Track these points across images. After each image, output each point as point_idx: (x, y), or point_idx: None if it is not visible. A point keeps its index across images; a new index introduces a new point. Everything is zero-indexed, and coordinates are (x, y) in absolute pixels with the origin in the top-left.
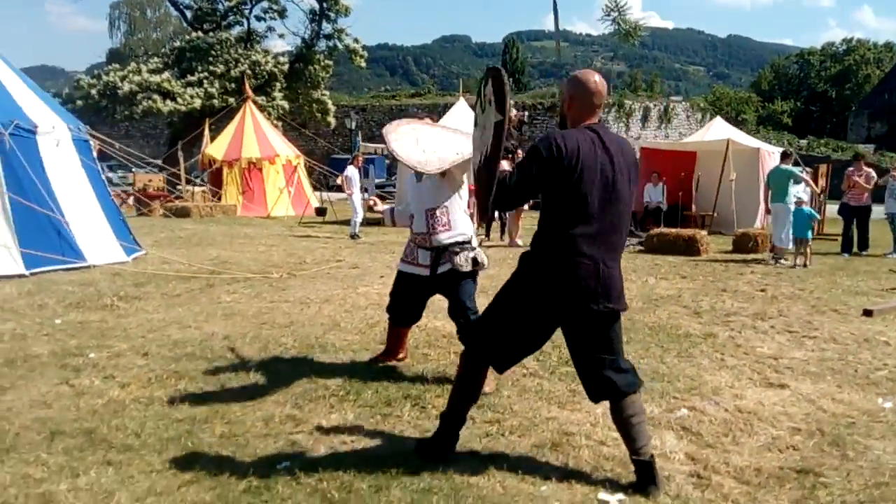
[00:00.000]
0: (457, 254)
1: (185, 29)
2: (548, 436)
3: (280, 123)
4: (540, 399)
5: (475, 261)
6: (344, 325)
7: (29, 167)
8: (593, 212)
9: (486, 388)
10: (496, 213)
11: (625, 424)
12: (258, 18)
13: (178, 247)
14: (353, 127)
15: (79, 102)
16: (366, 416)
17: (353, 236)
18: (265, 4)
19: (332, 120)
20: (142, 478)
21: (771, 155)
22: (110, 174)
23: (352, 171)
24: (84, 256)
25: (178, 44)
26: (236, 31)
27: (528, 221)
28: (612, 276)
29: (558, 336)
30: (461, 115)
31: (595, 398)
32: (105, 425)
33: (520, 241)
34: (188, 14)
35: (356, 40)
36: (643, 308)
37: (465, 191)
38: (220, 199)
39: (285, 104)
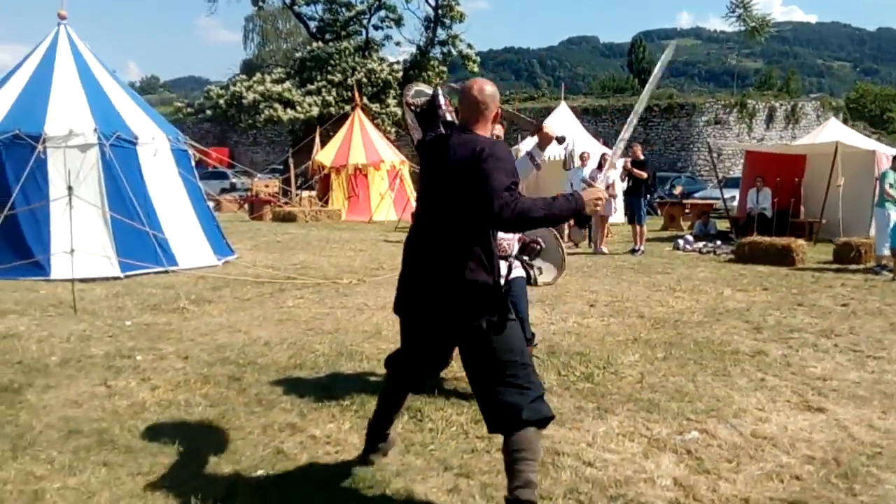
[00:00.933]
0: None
1: (310, 40)
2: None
3: (394, 130)
4: None
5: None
6: (385, 333)
7: (128, 176)
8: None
9: None
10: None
11: (508, 459)
12: (376, 27)
13: (271, 251)
14: None
15: (208, 112)
16: (362, 426)
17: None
18: (382, 14)
19: None
20: (128, 480)
21: (889, 158)
22: (234, 180)
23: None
24: (176, 260)
25: (299, 54)
26: (355, 40)
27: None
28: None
29: (586, 347)
30: (561, 118)
31: (489, 427)
32: (119, 426)
33: (605, 249)
34: (311, 25)
35: (469, 46)
36: (701, 322)
37: None
38: (326, 203)
39: (398, 111)
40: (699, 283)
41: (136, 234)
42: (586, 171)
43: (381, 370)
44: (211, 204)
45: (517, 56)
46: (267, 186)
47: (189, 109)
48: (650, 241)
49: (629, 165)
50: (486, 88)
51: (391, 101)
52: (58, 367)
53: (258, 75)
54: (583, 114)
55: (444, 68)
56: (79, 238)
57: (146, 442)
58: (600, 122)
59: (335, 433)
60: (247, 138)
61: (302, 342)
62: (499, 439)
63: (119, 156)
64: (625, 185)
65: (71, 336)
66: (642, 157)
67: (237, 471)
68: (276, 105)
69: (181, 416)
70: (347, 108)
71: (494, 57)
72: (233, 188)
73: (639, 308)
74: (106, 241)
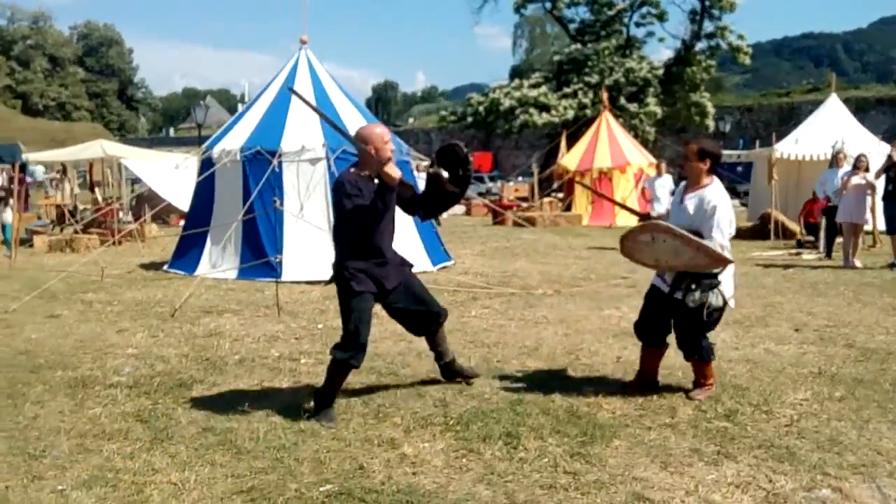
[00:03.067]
0: (693, 290)
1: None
2: (620, 498)
3: (654, 129)
4: (647, 455)
5: (707, 303)
6: (543, 350)
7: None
8: None
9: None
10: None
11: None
12: (637, 24)
13: (492, 257)
14: (727, 129)
15: (469, 119)
16: (457, 448)
17: None
18: (645, 10)
19: (710, 123)
20: (221, 481)
21: None
22: (490, 184)
23: (656, 183)
24: None
25: (557, 57)
26: (616, 39)
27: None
28: None
29: (753, 379)
30: (829, 114)
31: None
32: (247, 426)
33: (857, 263)
34: (571, 28)
35: (741, 37)
36: None
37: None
38: (569, 208)
39: (657, 110)
40: None
41: None
42: (841, 172)
43: (509, 392)
44: (462, 208)
45: (817, 41)
46: (517, 190)
47: (453, 117)
48: None
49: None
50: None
51: (650, 101)
52: (234, 365)
53: (516, 81)
54: (876, 105)
55: (713, 62)
56: (306, 244)
57: (258, 444)
58: None
59: (423, 453)
60: (509, 143)
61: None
62: (586, 478)
63: (344, 168)
64: (881, 188)
65: (262, 336)
66: None
67: (311, 483)
68: (532, 110)
69: (302, 421)
70: None
71: (790, 44)
72: (489, 192)
73: (855, 336)
74: (330, 246)
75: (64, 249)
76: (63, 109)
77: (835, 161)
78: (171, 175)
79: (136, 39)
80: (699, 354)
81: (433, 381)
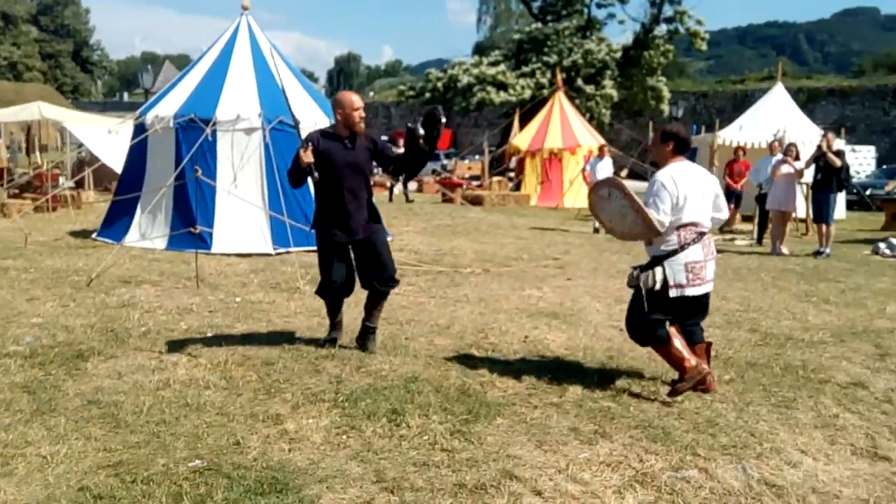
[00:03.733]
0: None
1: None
2: (490, 475)
3: (609, 112)
4: (526, 433)
5: (645, 281)
6: (454, 328)
7: (287, 158)
8: None
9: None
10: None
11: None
12: (599, 6)
13: (432, 235)
14: (679, 115)
15: (427, 95)
16: (340, 425)
17: (596, 230)
18: None
19: (664, 108)
20: (92, 454)
21: None
22: (445, 161)
23: (598, 165)
24: None
25: (517, 36)
26: (577, 20)
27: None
28: None
29: (652, 360)
30: (773, 103)
31: None
32: (133, 401)
33: (785, 250)
34: (534, 6)
35: (699, 22)
36: (817, 342)
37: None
38: (518, 187)
39: (613, 93)
40: (867, 295)
41: (291, 214)
42: (773, 161)
43: (407, 369)
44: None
45: (781, 30)
46: (470, 168)
47: (411, 92)
48: (852, 244)
49: (828, 152)
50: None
51: (607, 83)
52: (137, 337)
53: (475, 58)
54: (827, 95)
55: (671, 47)
56: (238, 215)
57: (139, 418)
58: (848, 105)
59: (305, 429)
60: (468, 120)
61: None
62: (460, 455)
63: (280, 139)
64: (809, 177)
65: (175, 308)
66: (836, 148)
67: (181, 458)
68: (490, 88)
69: (191, 395)
70: None
71: (754, 32)
72: (444, 169)
73: (761, 321)
74: (262, 219)
75: None
76: (14, 69)
77: (771, 149)
78: (114, 140)
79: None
80: (645, 338)
81: (333, 357)
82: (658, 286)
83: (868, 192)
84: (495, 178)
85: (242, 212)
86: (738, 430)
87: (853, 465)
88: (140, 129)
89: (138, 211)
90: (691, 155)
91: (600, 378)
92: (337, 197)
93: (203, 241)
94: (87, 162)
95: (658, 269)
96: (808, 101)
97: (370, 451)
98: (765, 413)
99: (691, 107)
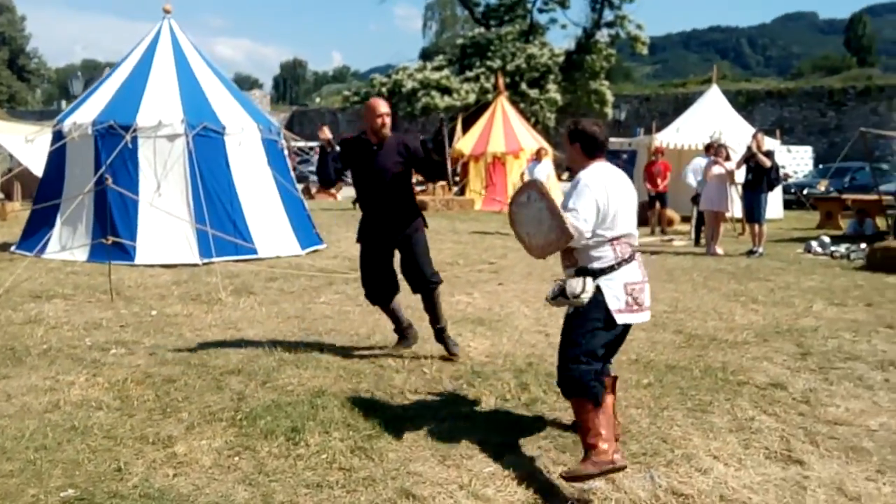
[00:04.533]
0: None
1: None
2: (386, 494)
3: (554, 116)
4: (430, 448)
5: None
6: (375, 337)
7: (213, 165)
8: None
9: None
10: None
11: None
12: (541, 10)
13: None
14: (622, 118)
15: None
16: (236, 445)
17: None
18: None
19: (608, 111)
20: None
21: None
22: None
23: (535, 168)
24: (255, 249)
25: (460, 41)
26: (520, 25)
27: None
28: None
29: None
30: (709, 104)
31: None
32: (17, 424)
33: (719, 250)
34: (477, 11)
35: (639, 26)
36: (740, 343)
37: None
38: (462, 192)
39: (557, 97)
40: (795, 293)
41: (218, 223)
42: (705, 162)
43: (316, 382)
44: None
45: (724, 35)
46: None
47: (356, 98)
48: (787, 242)
49: (758, 152)
50: None
51: (551, 87)
52: (37, 356)
53: (419, 63)
54: (766, 97)
55: (612, 51)
56: (162, 225)
57: (18, 444)
58: (786, 107)
59: (195, 452)
60: (415, 125)
61: (274, 343)
62: (358, 474)
63: (205, 146)
64: (742, 178)
65: (84, 324)
66: (766, 148)
67: (54, 487)
68: (434, 92)
69: (80, 417)
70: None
71: (698, 37)
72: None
73: (687, 322)
74: (188, 229)
75: None
76: None
77: (707, 150)
78: (42, 150)
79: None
80: (569, 386)
81: (239, 372)
82: (587, 296)
83: (805, 192)
84: (439, 183)
85: (166, 221)
86: (651, 437)
87: (765, 470)
88: (59, 136)
89: (58, 221)
90: (630, 157)
91: (517, 387)
92: (367, 201)
93: (125, 253)
94: (15, 172)
95: (589, 280)
96: (747, 104)
97: (262, 474)
98: (679, 418)
99: (634, 110)
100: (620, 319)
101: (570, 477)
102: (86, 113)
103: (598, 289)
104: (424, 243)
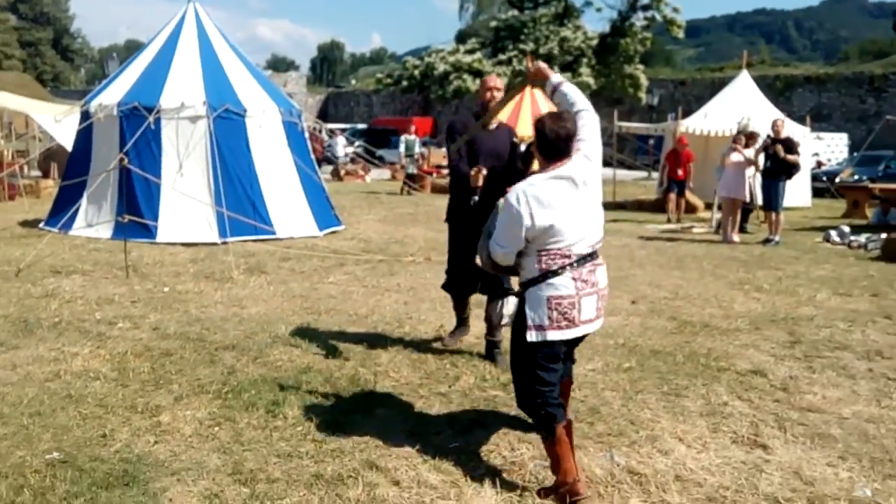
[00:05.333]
0: None
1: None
2: (352, 465)
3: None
4: (403, 423)
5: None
6: (373, 318)
7: (234, 146)
8: None
9: None
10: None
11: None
12: None
13: (389, 223)
14: (655, 102)
15: (404, 83)
16: (217, 416)
17: None
18: None
19: (643, 95)
20: None
21: None
22: (421, 149)
23: None
24: (273, 230)
25: (493, 24)
26: (554, 7)
27: None
28: None
29: None
30: (738, 91)
31: None
32: (19, 392)
33: (735, 237)
34: None
35: (675, 10)
36: (731, 330)
37: None
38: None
39: (591, 80)
40: (802, 282)
41: (237, 203)
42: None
43: (305, 360)
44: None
45: (769, 17)
46: (445, 158)
47: (388, 80)
48: (809, 231)
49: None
50: None
51: (584, 71)
52: (47, 329)
53: (452, 45)
54: (804, 82)
55: (648, 35)
56: (183, 205)
57: (15, 410)
58: (825, 93)
59: (178, 421)
60: (449, 108)
61: (274, 321)
62: (328, 446)
63: (226, 127)
64: (760, 165)
65: (97, 298)
66: (784, 136)
67: (41, 451)
68: (466, 75)
69: (77, 386)
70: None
71: (743, 19)
72: (422, 157)
73: (685, 309)
74: (208, 208)
75: None
76: None
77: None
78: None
79: None
80: (529, 407)
81: (233, 348)
82: (505, 319)
83: (837, 180)
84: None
85: (188, 201)
86: (619, 419)
87: (728, 453)
88: (86, 116)
89: (84, 200)
90: (657, 143)
91: (500, 367)
92: (468, 186)
93: (147, 231)
94: (54, 152)
95: (511, 299)
96: (784, 89)
97: (237, 443)
98: (653, 401)
99: (669, 94)
100: (531, 336)
101: (542, 493)
102: (112, 94)
103: (520, 303)
104: None
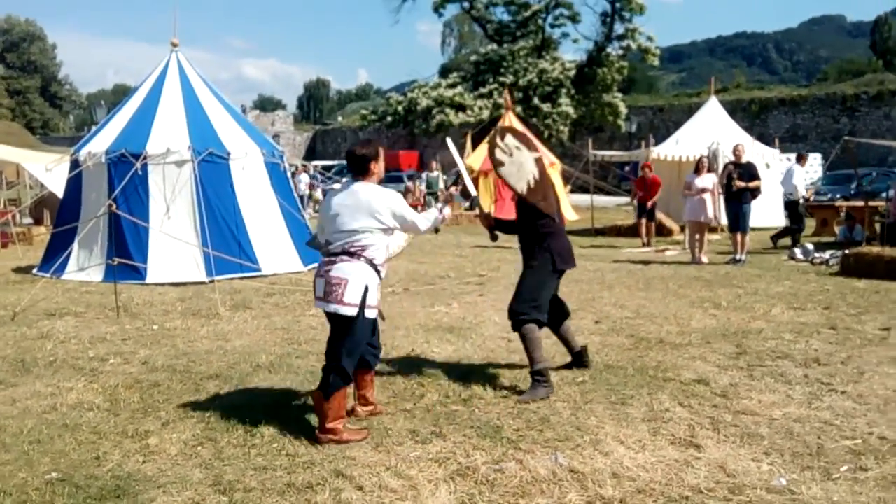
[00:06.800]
0: None
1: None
2: (322, 474)
3: (567, 129)
4: (370, 436)
5: None
6: None
7: (218, 188)
8: None
9: None
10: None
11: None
12: (552, 26)
13: None
14: (633, 129)
15: (388, 118)
16: (200, 437)
17: None
18: (559, 11)
19: (621, 123)
20: None
21: None
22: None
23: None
24: (259, 267)
25: (473, 58)
26: (532, 40)
27: None
28: None
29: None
30: (707, 116)
31: None
32: (19, 425)
33: (704, 259)
34: (489, 28)
35: (650, 38)
36: (682, 345)
37: None
38: (472, 207)
39: (570, 110)
40: (760, 299)
41: (223, 243)
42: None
43: (285, 385)
44: None
45: (749, 41)
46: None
47: (373, 116)
48: (779, 250)
49: (732, 168)
50: None
51: (563, 101)
52: (43, 367)
53: (434, 80)
54: (779, 104)
55: (624, 63)
56: (171, 246)
57: (17, 439)
58: (799, 114)
59: (165, 443)
60: (435, 142)
61: (256, 352)
62: (300, 459)
63: (211, 170)
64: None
65: (91, 338)
66: (744, 160)
67: (41, 472)
68: (448, 109)
69: (73, 417)
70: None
71: (724, 43)
72: (408, 191)
73: (643, 327)
74: (196, 248)
75: None
76: None
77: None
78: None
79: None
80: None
81: (217, 377)
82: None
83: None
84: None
85: (176, 242)
86: (567, 426)
87: (663, 453)
88: (76, 164)
89: (75, 245)
90: (633, 168)
91: (463, 385)
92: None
93: (137, 273)
94: (46, 200)
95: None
96: (760, 111)
97: (218, 460)
98: (600, 410)
99: (649, 121)
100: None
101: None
102: (100, 142)
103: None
104: (530, 276)
